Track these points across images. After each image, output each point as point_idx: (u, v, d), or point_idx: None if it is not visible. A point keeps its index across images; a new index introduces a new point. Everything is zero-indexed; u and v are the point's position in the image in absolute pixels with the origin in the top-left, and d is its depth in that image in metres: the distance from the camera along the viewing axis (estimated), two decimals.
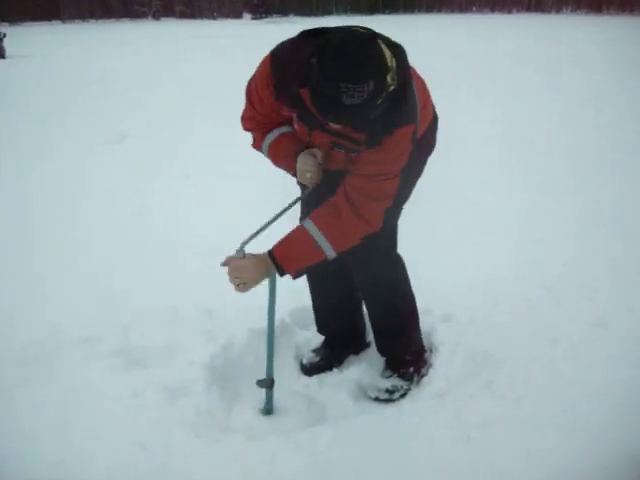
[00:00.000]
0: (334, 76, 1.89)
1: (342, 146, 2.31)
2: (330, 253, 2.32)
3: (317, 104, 1.99)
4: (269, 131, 2.49)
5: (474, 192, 5.11)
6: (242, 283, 2.33)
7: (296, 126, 2.47)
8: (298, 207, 2.69)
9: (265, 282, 2.42)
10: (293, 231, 2.37)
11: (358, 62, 1.89)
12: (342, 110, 1.94)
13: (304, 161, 2.40)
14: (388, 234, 2.61)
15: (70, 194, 5.48)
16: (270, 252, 2.34)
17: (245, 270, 2.31)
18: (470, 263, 3.86)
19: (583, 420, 2.48)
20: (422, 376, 2.84)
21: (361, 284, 2.77)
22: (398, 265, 2.73)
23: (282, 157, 2.49)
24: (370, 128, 2.14)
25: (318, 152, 2.40)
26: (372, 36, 1.99)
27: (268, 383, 2.56)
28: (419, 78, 2.41)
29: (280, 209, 2.48)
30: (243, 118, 2.53)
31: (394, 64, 1.98)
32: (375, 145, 2.19)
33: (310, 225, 2.31)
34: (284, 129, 2.49)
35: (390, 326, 2.82)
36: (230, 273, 2.34)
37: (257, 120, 2.48)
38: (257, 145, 2.55)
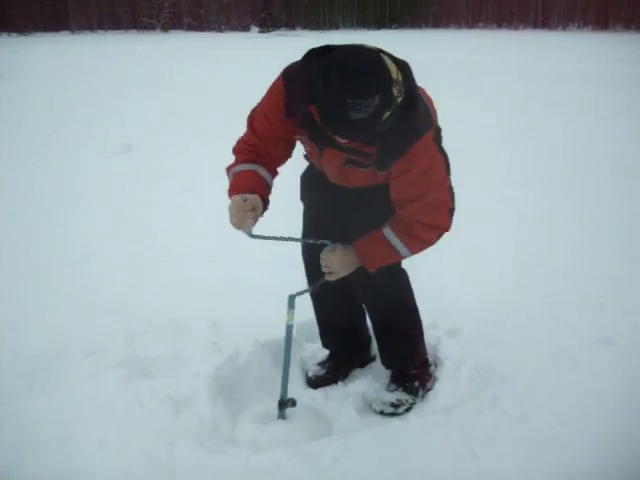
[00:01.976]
0: (340, 92, 1.94)
1: (355, 162, 2.32)
2: (406, 254, 2.49)
3: (324, 119, 2.04)
4: (251, 162, 2.47)
5: (480, 206, 5.10)
6: (330, 272, 2.53)
7: (307, 147, 2.50)
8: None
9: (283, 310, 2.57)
10: (373, 233, 2.47)
11: (363, 77, 1.94)
12: (349, 125, 1.99)
13: (232, 204, 2.33)
14: None
15: (74, 206, 5.50)
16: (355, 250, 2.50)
17: (333, 261, 2.51)
18: (475, 278, 3.86)
19: (588, 437, 2.47)
20: (427, 390, 2.84)
21: (365, 297, 2.78)
22: (401, 278, 2.76)
23: (235, 187, 2.42)
24: (381, 143, 2.18)
25: (254, 200, 2.32)
26: (376, 51, 2.04)
27: (290, 402, 2.61)
28: (428, 98, 2.41)
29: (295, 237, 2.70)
30: (238, 142, 2.54)
31: (400, 77, 2.03)
32: (387, 163, 2.24)
33: (388, 231, 2.44)
34: (261, 169, 2.46)
35: (394, 339, 2.83)
36: (322, 263, 2.54)
37: (252, 146, 2.47)
38: (231, 167, 2.52)
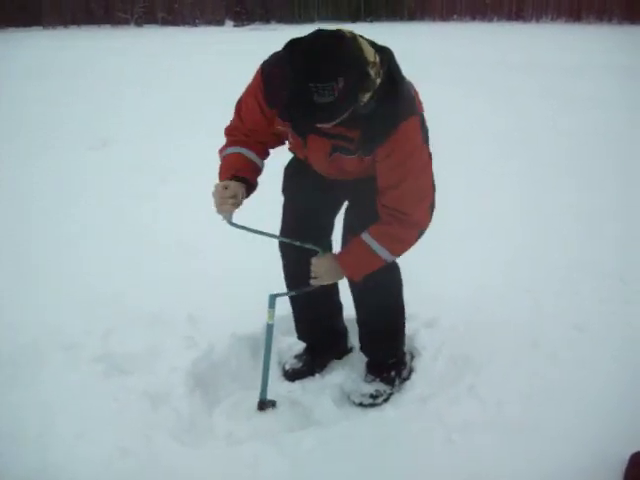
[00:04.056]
0: (302, 77, 1.96)
1: (340, 149, 2.32)
2: (388, 258, 2.46)
3: (292, 105, 2.05)
4: (238, 144, 2.49)
5: (460, 197, 5.12)
6: (315, 277, 2.54)
7: (291, 139, 2.49)
8: None
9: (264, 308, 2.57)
10: (353, 241, 2.48)
11: (323, 61, 1.95)
12: (315, 109, 2.00)
13: (214, 191, 2.35)
14: None
15: (52, 200, 5.44)
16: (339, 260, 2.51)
17: (319, 267, 2.52)
18: (453, 268, 3.87)
19: (564, 423, 2.51)
20: (403, 380, 2.86)
21: (354, 286, 2.76)
22: (395, 270, 2.75)
23: (223, 171, 2.47)
24: (364, 125, 2.19)
25: (235, 187, 2.33)
26: (341, 35, 2.04)
27: (270, 404, 2.61)
28: (415, 92, 2.39)
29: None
30: (229, 125, 2.56)
31: (377, 59, 2.08)
32: (371, 147, 2.25)
33: (367, 237, 2.42)
34: (246, 150, 2.47)
35: (382, 335, 2.83)
36: (312, 268, 2.54)
37: (239, 129, 2.50)
38: (221, 150, 2.55)
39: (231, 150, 2.48)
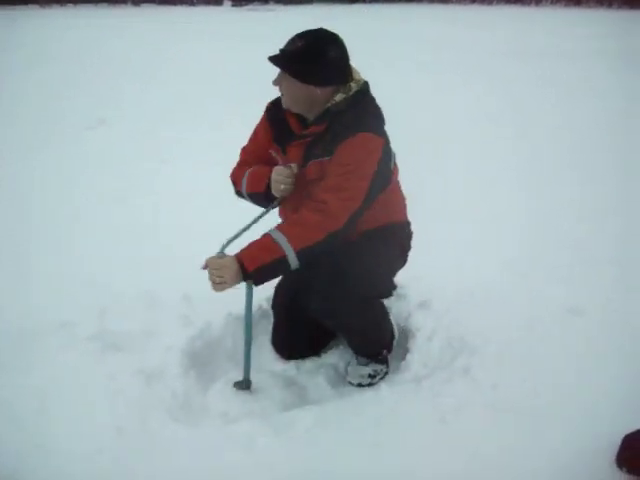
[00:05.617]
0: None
1: (312, 153, 2.48)
2: (289, 251, 2.35)
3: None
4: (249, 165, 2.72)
5: (451, 181, 5.11)
6: (221, 282, 2.38)
7: (273, 152, 2.66)
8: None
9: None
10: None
11: (306, 32, 2.47)
12: (280, 54, 2.46)
13: (278, 172, 2.52)
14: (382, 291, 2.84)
15: (51, 180, 5.42)
16: (236, 254, 2.40)
17: (224, 269, 2.36)
18: (446, 250, 3.87)
19: (557, 406, 2.52)
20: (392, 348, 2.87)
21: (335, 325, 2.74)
22: (376, 309, 2.76)
23: (256, 178, 2.63)
24: (331, 120, 2.46)
25: (294, 164, 2.52)
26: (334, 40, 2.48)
27: (245, 384, 2.61)
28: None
29: (255, 216, 2.65)
30: (232, 170, 2.81)
31: (362, 80, 2.54)
32: (334, 142, 2.42)
33: (272, 229, 2.42)
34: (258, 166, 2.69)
35: (359, 341, 2.82)
36: (210, 272, 2.39)
37: (244, 164, 2.75)
38: (236, 172, 2.77)
39: (251, 168, 2.69)
